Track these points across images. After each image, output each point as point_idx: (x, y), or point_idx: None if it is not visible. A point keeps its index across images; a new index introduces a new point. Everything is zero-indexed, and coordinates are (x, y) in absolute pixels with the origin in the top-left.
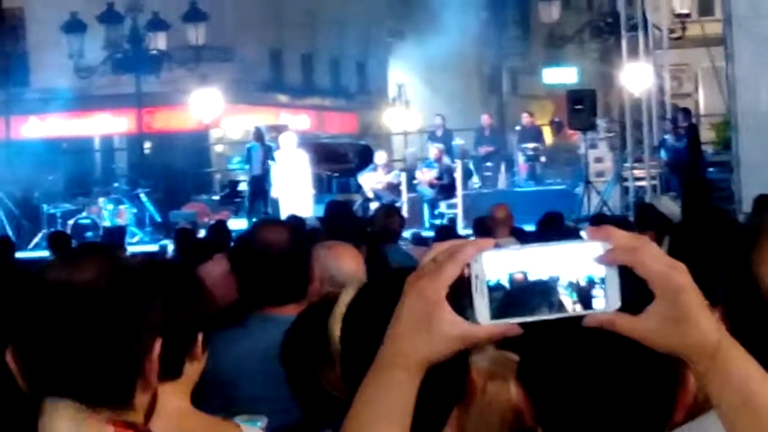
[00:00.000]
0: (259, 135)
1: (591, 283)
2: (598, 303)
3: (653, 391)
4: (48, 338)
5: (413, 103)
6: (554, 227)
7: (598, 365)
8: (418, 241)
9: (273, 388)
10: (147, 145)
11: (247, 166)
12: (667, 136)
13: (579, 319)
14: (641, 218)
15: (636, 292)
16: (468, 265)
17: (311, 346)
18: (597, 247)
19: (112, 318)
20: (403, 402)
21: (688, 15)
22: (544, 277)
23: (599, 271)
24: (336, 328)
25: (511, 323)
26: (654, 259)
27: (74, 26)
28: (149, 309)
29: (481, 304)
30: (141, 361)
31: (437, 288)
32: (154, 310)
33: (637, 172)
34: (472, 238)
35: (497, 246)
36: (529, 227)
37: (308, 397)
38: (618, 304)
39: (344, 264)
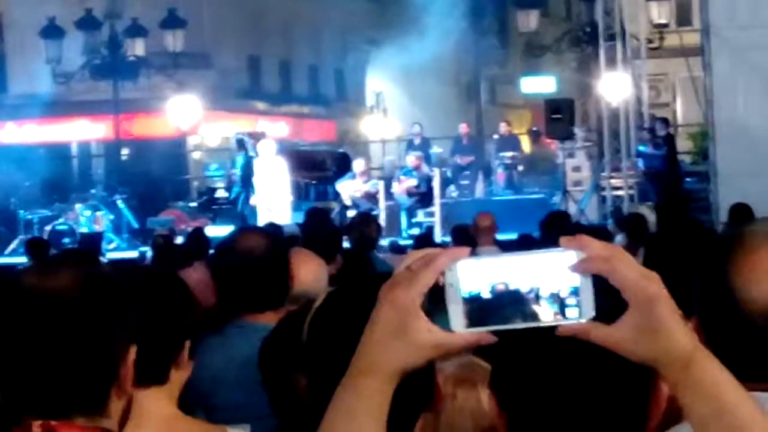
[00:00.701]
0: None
1: (565, 292)
2: (572, 312)
3: (626, 399)
4: (21, 344)
5: (391, 111)
6: (561, 227)
7: (570, 374)
8: (396, 249)
9: (251, 396)
10: (124, 151)
11: (237, 171)
12: (643, 147)
13: (553, 328)
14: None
15: (610, 301)
16: (443, 274)
17: (287, 353)
18: (571, 256)
19: (86, 325)
20: (378, 410)
21: (666, 25)
22: (519, 286)
23: (573, 281)
24: None
25: (485, 332)
26: (627, 269)
27: (52, 32)
28: (124, 316)
29: (456, 313)
30: (116, 368)
31: (412, 297)
32: (129, 317)
33: (615, 182)
34: (449, 247)
35: (473, 254)
36: (508, 236)
37: (284, 405)
38: (592, 313)
39: (301, 273)
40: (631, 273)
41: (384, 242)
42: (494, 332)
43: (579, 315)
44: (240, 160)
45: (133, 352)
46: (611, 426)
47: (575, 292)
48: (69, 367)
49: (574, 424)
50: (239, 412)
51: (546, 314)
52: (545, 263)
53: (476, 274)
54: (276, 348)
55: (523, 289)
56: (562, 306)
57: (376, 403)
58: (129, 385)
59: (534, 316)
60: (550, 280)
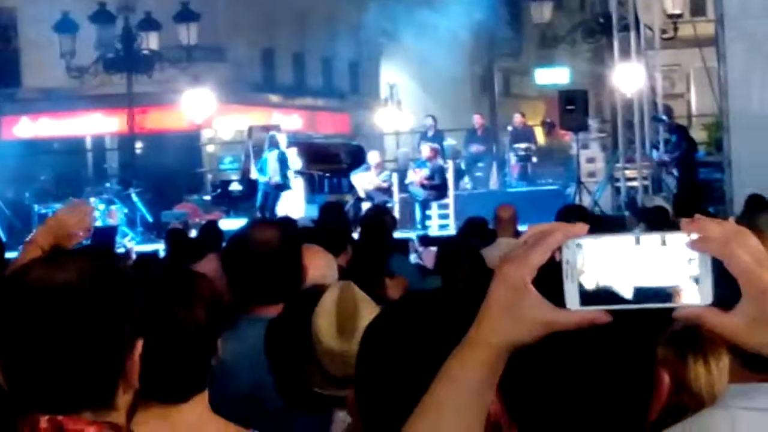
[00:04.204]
0: (274, 141)
1: (684, 275)
2: (690, 296)
3: (629, 390)
4: (27, 338)
5: (405, 104)
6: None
7: (573, 365)
8: (426, 241)
9: (262, 388)
10: (138, 145)
11: (264, 177)
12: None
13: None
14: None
15: (728, 286)
16: (559, 250)
17: (294, 339)
18: (690, 239)
19: (93, 318)
20: (482, 382)
21: (680, 15)
22: (636, 266)
23: (693, 264)
24: (319, 323)
25: (600, 310)
26: (745, 255)
27: (66, 26)
28: (132, 309)
29: (571, 290)
30: (123, 362)
31: (523, 272)
32: (137, 310)
33: (629, 173)
34: (564, 223)
35: (591, 233)
36: (523, 227)
37: (289, 389)
38: (710, 299)
39: (310, 268)
40: (748, 260)
41: (412, 235)
42: (608, 311)
43: (697, 300)
44: (273, 156)
45: (140, 346)
46: (615, 416)
47: (694, 275)
48: (76, 361)
49: (576, 414)
50: (250, 403)
51: (663, 296)
52: (663, 244)
53: (592, 253)
54: (282, 333)
55: (640, 270)
56: (680, 289)
57: (480, 374)
58: (136, 379)
59: (651, 298)
60: (669, 263)
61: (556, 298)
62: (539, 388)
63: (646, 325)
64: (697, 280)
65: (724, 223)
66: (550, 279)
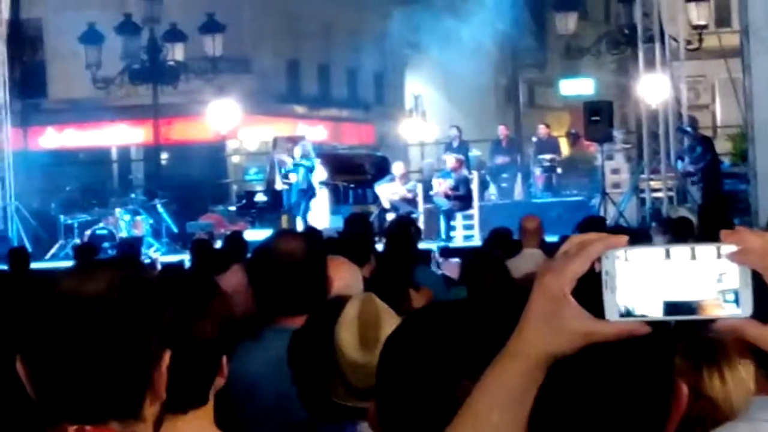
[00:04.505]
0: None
1: (724, 287)
2: (730, 308)
3: (647, 402)
4: (56, 348)
5: (430, 114)
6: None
7: (591, 375)
8: (447, 253)
9: (288, 399)
10: (164, 155)
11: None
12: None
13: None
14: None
15: (758, 300)
16: (599, 260)
17: (317, 350)
18: (730, 251)
19: (121, 329)
20: (521, 392)
21: (705, 26)
22: (677, 277)
23: (733, 276)
24: (341, 335)
25: (639, 322)
26: None
27: (92, 37)
28: (160, 320)
29: (610, 301)
30: (150, 373)
31: (562, 283)
32: (164, 321)
33: (654, 184)
34: (604, 234)
35: (631, 244)
36: (549, 238)
37: (313, 401)
38: (750, 311)
39: (335, 279)
40: None
41: (433, 246)
42: (648, 323)
43: (738, 311)
44: (304, 166)
45: (167, 357)
46: (632, 428)
47: (734, 288)
48: (104, 371)
49: (594, 426)
50: (275, 414)
51: (703, 308)
52: (703, 256)
53: (633, 264)
54: (305, 344)
55: (681, 282)
56: (720, 301)
57: (520, 384)
58: (163, 390)
59: (691, 310)
60: (709, 274)
61: (596, 309)
62: (556, 399)
63: (663, 336)
64: (734, 292)
65: (764, 235)
66: (589, 290)
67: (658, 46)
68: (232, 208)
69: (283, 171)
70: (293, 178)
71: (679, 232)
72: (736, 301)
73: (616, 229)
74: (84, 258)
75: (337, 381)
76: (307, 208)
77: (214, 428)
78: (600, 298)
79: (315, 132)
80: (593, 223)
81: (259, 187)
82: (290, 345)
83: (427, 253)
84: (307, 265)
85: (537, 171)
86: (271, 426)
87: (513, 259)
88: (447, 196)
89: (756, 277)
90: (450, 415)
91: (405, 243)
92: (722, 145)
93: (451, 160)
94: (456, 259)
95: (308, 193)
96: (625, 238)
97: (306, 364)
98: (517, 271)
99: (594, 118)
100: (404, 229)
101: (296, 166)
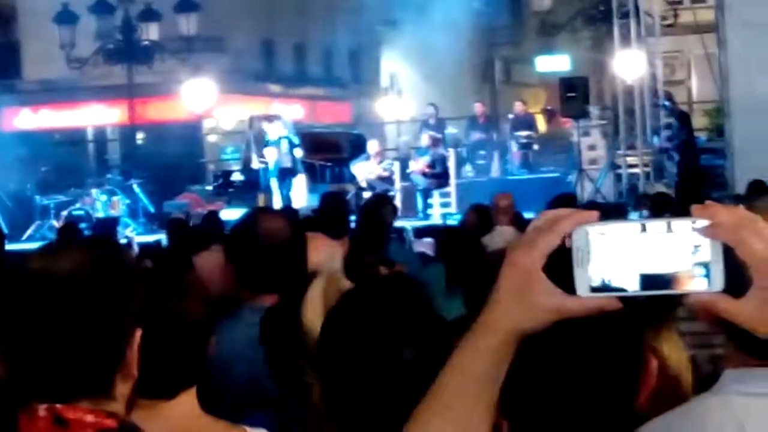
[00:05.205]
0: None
1: (695, 261)
2: (701, 283)
3: (617, 374)
4: (26, 326)
5: (406, 92)
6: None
7: (561, 350)
8: (420, 234)
9: (263, 378)
10: (140, 135)
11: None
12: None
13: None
14: (656, 206)
15: (739, 273)
16: (569, 236)
17: (287, 328)
18: (701, 225)
19: (92, 307)
20: (492, 368)
21: (680, 2)
22: (647, 252)
23: (704, 251)
24: (306, 314)
25: (610, 297)
26: (757, 242)
27: (66, 17)
28: (131, 299)
29: (581, 276)
30: (122, 351)
31: (533, 258)
32: (135, 299)
33: (630, 160)
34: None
35: (602, 219)
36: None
37: (283, 378)
38: (721, 285)
39: (314, 257)
40: (759, 247)
41: (407, 225)
42: (619, 299)
43: (708, 286)
44: (290, 140)
45: (138, 336)
46: (604, 399)
47: (702, 262)
48: (75, 350)
49: (566, 399)
50: (250, 390)
51: (674, 283)
52: (680, 229)
53: (609, 237)
54: (275, 323)
55: (651, 256)
56: (691, 275)
57: (491, 361)
58: (135, 369)
59: (666, 282)
60: (684, 245)
61: (567, 284)
62: (528, 375)
63: (633, 310)
64: (705, 267)
65: (736, 210)
66: (560, 265)
67: (633, 21)
68: (209, 188)
69: (265, 140)
70: (270, 155)
71: (659, 207)
72: (708, 275)
73: (592, 205)
74: (66, 238)
75: (305, 360)
76: (290, 186)
77: (200, 410)
78: (571, 274)
79: (291, 110)
80: (564, 200)
81: (235, 167)
82: (262, 323)
83: (401, 230)
84: (291, 244)
85: (514, 148)
86: (247, 400)
87: (486, 236)
88: (424, 174)
89: (728, 251)
90: (392, 387)
91: (379, 220)
92: (698, 121)
93: (427, 138)
94: (429, 239)
95: (293, 170)
96: (595, 213)
97: (277, 342)
98: (489, 248)
99: (570, 95)
100: (378, 207)
101: (280, 138)
